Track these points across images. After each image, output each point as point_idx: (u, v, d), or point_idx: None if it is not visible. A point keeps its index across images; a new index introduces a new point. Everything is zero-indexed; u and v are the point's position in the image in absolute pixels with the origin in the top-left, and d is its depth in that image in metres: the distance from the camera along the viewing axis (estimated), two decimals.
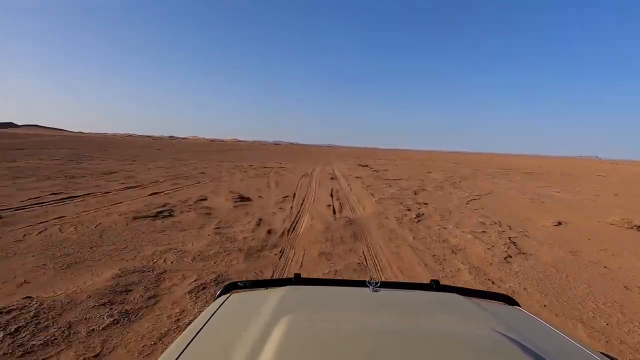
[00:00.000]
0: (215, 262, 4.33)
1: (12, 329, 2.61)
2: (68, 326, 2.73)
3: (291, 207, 8.31)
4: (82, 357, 2.40)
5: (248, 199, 9.07)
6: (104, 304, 3.11)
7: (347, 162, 31.09)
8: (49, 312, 2.90)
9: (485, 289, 2.21)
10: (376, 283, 1.19)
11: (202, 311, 1.09)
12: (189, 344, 0.80)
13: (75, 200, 7.84)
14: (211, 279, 3.72)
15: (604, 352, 0.91)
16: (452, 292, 1.22)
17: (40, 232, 5.20)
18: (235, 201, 8.55)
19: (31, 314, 2.83)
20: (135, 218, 6.29)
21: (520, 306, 1.22)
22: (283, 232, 5.98)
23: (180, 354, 0.76)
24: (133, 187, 10.15)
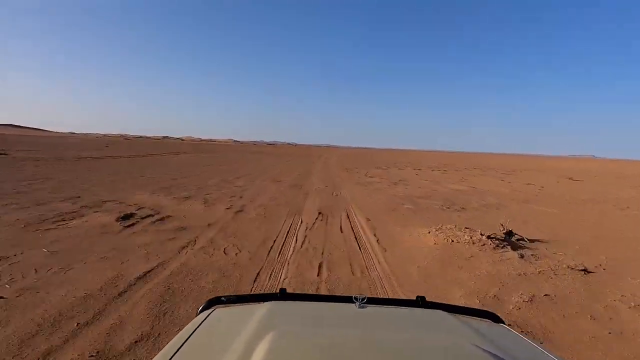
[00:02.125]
0: None
1: None
2: None
3: None
4: None
5: None
6: None
7: (382, 190, 11.88)
8: None
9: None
10: (362, 299, 1.15)
11: (182, 328, 1.00)
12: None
13: None
14: None
15: None
16: (437, 308, 1.18)
17: None
18: None
19: None
20: None
21: (505, 324, 1.19)
22: None
23: None
24: None
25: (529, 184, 16.51)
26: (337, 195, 10.25)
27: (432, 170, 24.13)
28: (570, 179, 21.07)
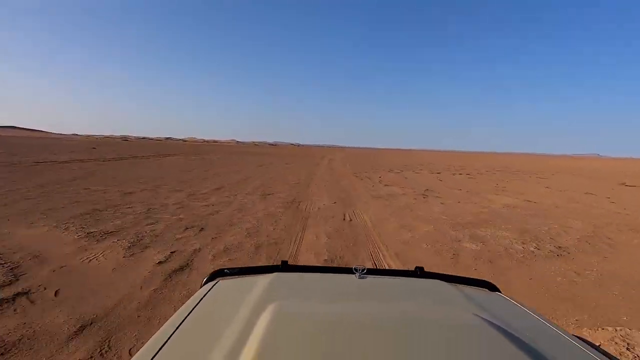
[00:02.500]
0: None
1: None
2: None
3: None
4: None
5: None
6: None
7: (412, 207, 8.78)
8: None
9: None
10: (362, 270, 1.16)
11: (188, 299, 1.02)
12: (174, 332, 0.78)
13: None
14: None
15: (579, 336, 0.89)
16: (435, 278, 1.20)
17: None
18: None
19: None
20: None
21: (501, 292, 1.21)
22: None
23: (166, 341, 0.74)
24: None
25: (588, 193, 13.10)
26: (351, 220, 6.92)
27: (454, 175, 20.74)
28: (623, 184, 17.62)
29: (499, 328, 0.74)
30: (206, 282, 1.15)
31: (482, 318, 0.78)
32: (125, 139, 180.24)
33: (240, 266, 2.37)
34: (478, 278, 1.27)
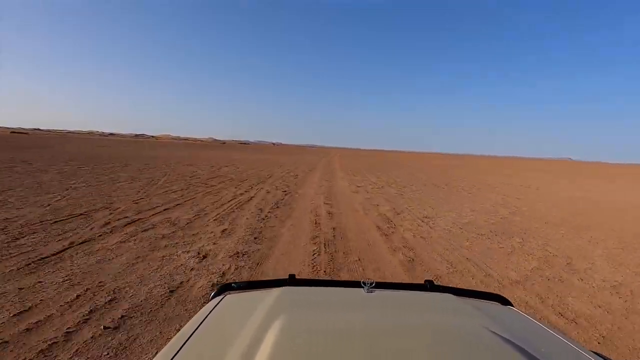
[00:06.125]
0: None
1: None
2: None
3: None
4: None
5: None
6: None
7: None
8: None
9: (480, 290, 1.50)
10: (371, 284, 1.12)
11: (196, 313, 1.01)
12: (182, 346, 0.76)
13: None
14: None
15: (596, 352, 0.85)
16: (445, 292, 1.16)
17: None
18: None
19: None
20: None
21: (513, 306, 1.17)
22: None
23: (174, 356, 0.73)
24: None
25: None
26: None
27: None
28: None
29: (510, 342, 0.72)
30: (214, 297, 1.13)
31: (494, 332, 0.76)
32: (15, 132, 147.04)
33: (247, 280, 2.31)
34: (489, 292, 1.21)
